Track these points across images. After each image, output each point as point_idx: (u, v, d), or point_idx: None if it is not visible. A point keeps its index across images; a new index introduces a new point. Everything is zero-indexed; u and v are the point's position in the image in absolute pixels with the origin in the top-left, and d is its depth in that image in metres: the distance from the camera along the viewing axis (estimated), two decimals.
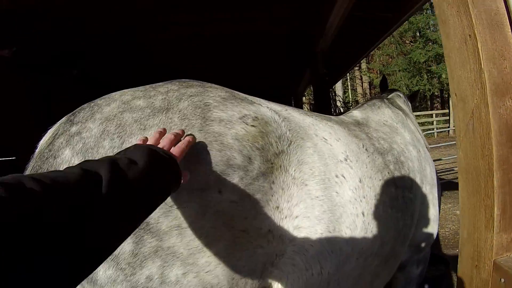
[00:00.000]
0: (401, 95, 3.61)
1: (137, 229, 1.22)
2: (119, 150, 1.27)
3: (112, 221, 0.87)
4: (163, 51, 5.73)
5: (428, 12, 33.53)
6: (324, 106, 7.06)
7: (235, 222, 1.38)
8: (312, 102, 29.59)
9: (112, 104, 1.44)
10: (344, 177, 1.86)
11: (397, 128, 2.70)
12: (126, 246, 1.25)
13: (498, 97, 1.25)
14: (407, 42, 36.11)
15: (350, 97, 38.03)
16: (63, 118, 1.47)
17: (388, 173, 2.14)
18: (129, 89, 1.56)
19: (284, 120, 1.75)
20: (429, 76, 34.15)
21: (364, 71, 37.24)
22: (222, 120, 1.48)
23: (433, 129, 27.12)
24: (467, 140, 1.38)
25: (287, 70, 8.08)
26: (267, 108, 1.73)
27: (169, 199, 1.27)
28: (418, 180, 2.42)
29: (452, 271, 5.12)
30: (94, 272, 1.26)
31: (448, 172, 12.75)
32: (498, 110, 1.25)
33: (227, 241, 1.36)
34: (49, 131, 1.47)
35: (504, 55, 1.27)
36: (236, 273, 1.42)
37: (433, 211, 2.59)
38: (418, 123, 3.91)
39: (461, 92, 1.37)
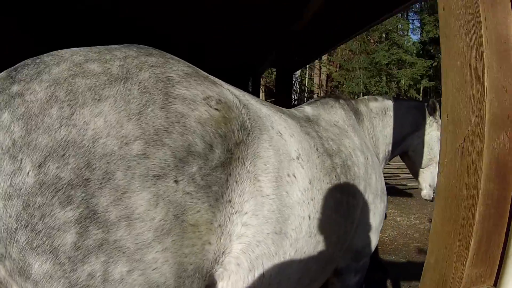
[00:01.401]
0: (380, 99, 3.43)
1: (82, 219, 1.11)
2: (67, 122, 1.14)
3: None
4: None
5: (398, 16, 34.16)
6: (285, 90, 6.99)
7: (186, 215, 1.30)
8: (267, 84, 29.53)
9: (62, 64, 1.26)
10: (295, 176, 1.81)
11: (347, 130, 2.63)
12: (68, 237, 1.10)
13: (494, 130, 1.19)
14: (372, 41, 36.67)
15: (307, 85, 38.22)
16: (3, 73, 1.27)
17: (335, 176, 2.11)
18: (80, 48, 1.37)
19: (244, 107, 1.66)
20: (388, 79, 34.93)
21: (324, 63, 37.54)
22: (186, 98, 1.36)
23: None
24: (453, 166, 1.32)
25: (253, 47, 7.81)
26: (228, 91, 1.63)
27: (122, 185, 1.15)
28: (362, 187, 2.38)
29: (388, 278, 5.25)
30: (28, 264, 1.11)
31: (393, 178, 13.08)
32: (492, 143, 1.19)
33: (176, 236, 1.28)
34: None
35: (506, 86, 1.21)
36: (183, 271, 1.33)
37: (373, 221, 2.57)
38: None
39: (455, 115, 1.30)
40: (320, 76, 39.12)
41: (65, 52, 1.33)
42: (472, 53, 1.22)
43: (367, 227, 2.52)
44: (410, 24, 39.79)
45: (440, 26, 1.37)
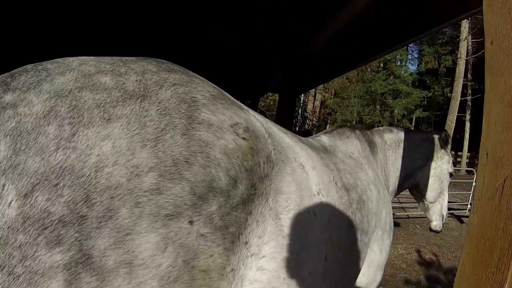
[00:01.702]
0: (395, 130, 3.36)
1: (73, 264, 0.92)
2: (66, 143, 0.95)
3: None
4: None
5: None
6: (288, 115, 6.94)
7: (198, 261, 1.12)
8: (261, 108, 29.44)
9: (67, 74, 1.08)
10: (315, 214, 1.65)
11: (362, 163, 2.53)
12: (54, 285, 0.91)
13: None
14: (369, 70, 37.04)
15: (300, 112, 38.40)
16: None
17: (352, 213, 1.98)
18: (90, 58, 1.20)
19: (269, 136, 1.50)
20: (383, 108, 35.19)
21: (320, 89, 37.74)
22: (211, 125, 1.19)
23: None
24: (489, 206, 1.26)
25: (262, 70, 7.71)
26: (255, 118, 1.47)
27: (125, 225, 0.97)
28: (373, 223, 2.28)
29: None
30: None
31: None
32: None
33: (184, 284, 1.10)
34: None
35: None
36: None
37: (379, 258, 2.47)
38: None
39: (496, 154, 1.25)
40: (314, 103, 39.30)
41: (73, 60, 1.16)
42: None
43: (374, 264, 2.42)
44: (409, 55, 40.46)
45: (486, 61, 1.33)
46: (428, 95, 35.08)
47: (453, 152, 32.26)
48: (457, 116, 27.06)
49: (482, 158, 1.32)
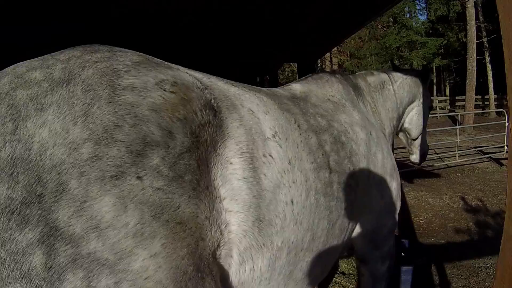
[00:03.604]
0: (376, 73, 3.43)
1: (45, 237, 1.04)
2: (11, 137, 1.11)
3: None
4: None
5: None
6: None
7: (167, 214, 1.21)
8: (280, 82, 29.24)
9: (3, 79, 1.23)
10: (272, 157, 1.71)
11: (344, 105, 2.51)
12: (36, 259, 1.03)
13: None
14: (380, 27, 36.31)
15: None
16: None
17: (322, 154, 1.98)
18: (26, 61, 1.34)
19: (206, 88, 1.58)
20: (401, 62, 34.61)
21: (335, 53, 37.20)
22: (135, 87, 1.31)
23: None
24: None
25: (270, 42, 7.55)
26: (187, 74, 1.56)
27: (79, 194, 1.09)
28: (363, 165, 2.26)
29: (432, 261, 5.18)
30: None
31: None
32: None
33: (164, 238, 1.18)
34: None
35: None
36: (183, 275, 1.23)
37: (383, 202, 2.45)
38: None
39: None
40: (331, 67, 38.82)
41: (9, 67, 1.30)
42: None
43: (380, 210, 2.42)
44: (416, 5, 39.54)
45: None
46: (443, 43, 34.20)
47: (480, 96, 31.38)
48: (477, 60, 26.23)
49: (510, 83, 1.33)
